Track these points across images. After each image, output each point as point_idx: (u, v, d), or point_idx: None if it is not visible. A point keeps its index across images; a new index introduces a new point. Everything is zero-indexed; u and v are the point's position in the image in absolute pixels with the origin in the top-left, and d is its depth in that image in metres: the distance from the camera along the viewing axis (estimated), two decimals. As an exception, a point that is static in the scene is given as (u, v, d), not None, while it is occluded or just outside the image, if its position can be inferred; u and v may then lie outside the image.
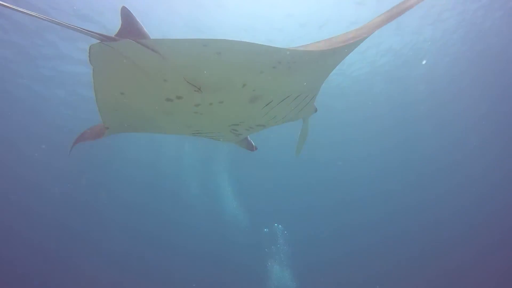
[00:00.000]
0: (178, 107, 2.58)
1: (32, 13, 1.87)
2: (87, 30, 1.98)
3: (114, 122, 2.95)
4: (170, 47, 2.07)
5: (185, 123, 3.03)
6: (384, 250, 20.77)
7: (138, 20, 2.37)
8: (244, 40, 2.08)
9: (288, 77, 2.57)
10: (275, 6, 10.31)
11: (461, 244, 19.55)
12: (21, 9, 1.81)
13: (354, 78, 15.43)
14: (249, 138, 3.99)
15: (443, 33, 12.87)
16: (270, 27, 11.26)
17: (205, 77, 2.29)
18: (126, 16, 2.33)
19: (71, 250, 20.57)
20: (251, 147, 4.02)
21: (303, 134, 3.89)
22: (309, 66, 2.52)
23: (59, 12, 9.36)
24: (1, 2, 1.75)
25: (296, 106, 3.07)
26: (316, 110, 3.59)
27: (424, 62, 14.75)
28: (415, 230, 21.65)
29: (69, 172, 19.86)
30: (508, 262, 16.62)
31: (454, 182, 23.44)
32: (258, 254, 18.11)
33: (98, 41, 2.00)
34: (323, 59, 2.47)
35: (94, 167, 20.44)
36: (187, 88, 2.34)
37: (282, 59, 2.33)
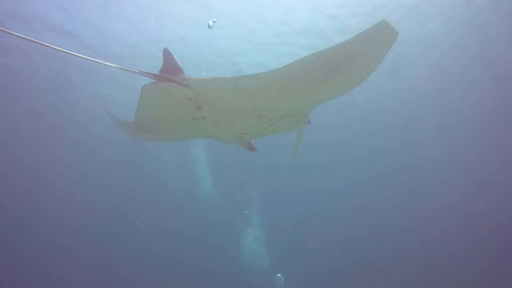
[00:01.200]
0: (200, 124, 3.32)
1: (98, 60, 2.58)
2: (142, 71, 2.71)
3: (144, 128, 3.70)
4: (200, 85, 2.81)
5: (202, 132, 3.79)
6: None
7: (175, 57, 3.09)
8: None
9: (288, 100, 3.30)
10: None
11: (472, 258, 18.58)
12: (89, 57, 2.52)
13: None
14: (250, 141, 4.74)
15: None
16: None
17: (226, 104, 3.04)
18: (167, 55, 3.06)
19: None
20: (251, 148, 4.77)
21: (298, 142, 4.64)
22: (306, 87, 3.12)
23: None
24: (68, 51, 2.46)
25: (293, 121, 3.82)
26: (309, 123, 4.33)
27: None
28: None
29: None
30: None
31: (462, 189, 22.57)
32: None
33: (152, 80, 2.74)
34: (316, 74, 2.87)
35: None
36: (211, 111, 3.09)
37: (285, 84, 3.04)
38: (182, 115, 3.13)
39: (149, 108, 3.05)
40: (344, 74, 2.69)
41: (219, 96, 2.96)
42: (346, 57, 2.51)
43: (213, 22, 11.10)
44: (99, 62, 2.64)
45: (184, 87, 2.77)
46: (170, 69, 3.01)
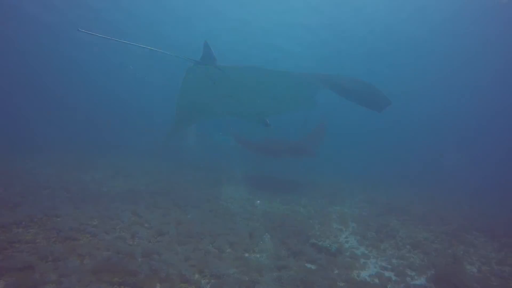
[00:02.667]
0: (228, 100, 4.34)
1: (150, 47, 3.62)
2: (188, 57, 3.74)
3: (185, 104, 4.75)
4: (230, 70, 3.82)
5: (228, 108, 4.81)
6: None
7: (211, 49, 4.11)
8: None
9: (293, 89, 4.30)
10: None
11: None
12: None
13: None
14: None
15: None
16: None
17: (247, 83, 4.05)
18: (206, 47, 4.08)
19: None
20: (266, 124, 5.79)
21: (305, 121, 5.60)
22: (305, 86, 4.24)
23: None
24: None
25: (299, 101, 4.80)
26: (315, 105, 5.28)
27: None
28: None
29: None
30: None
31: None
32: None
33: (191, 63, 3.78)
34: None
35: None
36: (236, 91, 4.10)
37: (292, 80, 4.06)
38: (215, 91, 4.16)
39: (191, 84, 4.08)
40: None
41: (244, 79, 3.98)
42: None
43: None
44: (156, 50, 3.68)
45: (218, 70, 3.78)
46: (208, 57, 4.03)
